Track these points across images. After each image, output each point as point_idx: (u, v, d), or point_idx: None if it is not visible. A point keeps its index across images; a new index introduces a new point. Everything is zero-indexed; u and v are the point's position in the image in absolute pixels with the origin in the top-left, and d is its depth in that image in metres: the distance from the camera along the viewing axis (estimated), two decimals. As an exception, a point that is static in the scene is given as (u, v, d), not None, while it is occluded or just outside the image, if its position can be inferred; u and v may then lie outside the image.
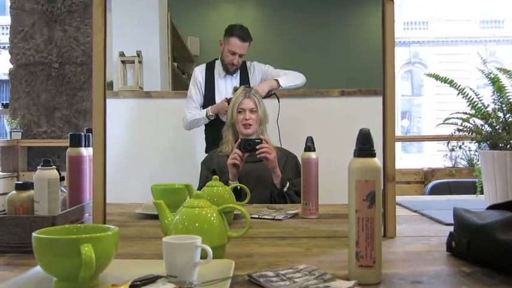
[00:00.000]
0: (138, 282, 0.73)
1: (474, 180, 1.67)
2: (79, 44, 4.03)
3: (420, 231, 1.22)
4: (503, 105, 1.42)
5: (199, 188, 1.57)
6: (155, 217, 1.02)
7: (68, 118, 4.04)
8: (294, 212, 1.47)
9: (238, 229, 0.97)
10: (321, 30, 4.07)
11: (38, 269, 0.78)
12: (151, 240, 1.13)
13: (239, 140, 1.87)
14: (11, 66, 4.12)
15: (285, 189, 1.83)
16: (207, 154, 2.22)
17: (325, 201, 1.48)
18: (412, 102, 14.56)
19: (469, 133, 1.49)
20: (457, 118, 1.50)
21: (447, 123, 1.52)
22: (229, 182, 1.81)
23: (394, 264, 0.92)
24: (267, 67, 2.52)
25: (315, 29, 4.08)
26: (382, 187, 0.80)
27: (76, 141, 1.24)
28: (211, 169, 1.99)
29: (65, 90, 4.04)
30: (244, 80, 2.44)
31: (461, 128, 1.49)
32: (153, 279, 0.75)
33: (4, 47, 10.42)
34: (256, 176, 1.90)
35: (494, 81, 1.43)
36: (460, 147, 1.59)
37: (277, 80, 2.37)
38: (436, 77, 1.53)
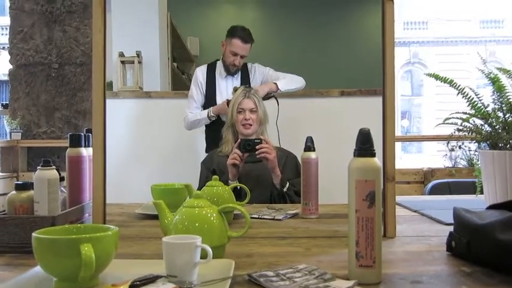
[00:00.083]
0: (138, 282, 0.73)
1: (474, 180, 1.67)
2: (79, 44, 4.03)
3: (420, 231, 1.22)
4: (503, 105, 1.42)
5: (199, 188, 1.57)
6: (155, 217, 1.02)
7: (68, 118, 4.04)
8: (293, 212, 1.47)
9: (238, 229, 0.96)
10: (321, 30, 4.07)
11: (38, 269, 0.78)
12: (151, 240, 1.13)
13: (239, 140, 1.87)
14: (11, 66, 4.12)
15: (284, 189, 1.83)
16: (207, 154, 2.22)
17: (325, 201, 1.48)
18: (412, 102, 14.57)
19: (468, 133, 1.49)
20: (457, 118, 1.50)
21: (447, 123, 1.52)
22: (229, 182, 1.81)
23: (394, 264, 0.92)
24: (267, 69, 2.53)
25: (315, 29, 4.08)
26: (382, 187, 0.80)
27: (76, 142, 1.24)
28: (211, 169, 1.99)
29: (64, 90, 4.04)
30: (245, 81, 2.44)
31: (461, 128, 1.49)
32: (153, 279, 0.75)
33: (4, 48, 10.42)
34: (256, 176, 1.90)
35: (494, 81, 1.43)
36: (459, 147, 1.59)
37: (276, 84, 2.38)
38: (436, 77, 1.53)
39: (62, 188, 1.19)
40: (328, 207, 1.49)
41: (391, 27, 1.14)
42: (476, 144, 1.51)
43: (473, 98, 1.47)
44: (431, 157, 8.15)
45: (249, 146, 1.83)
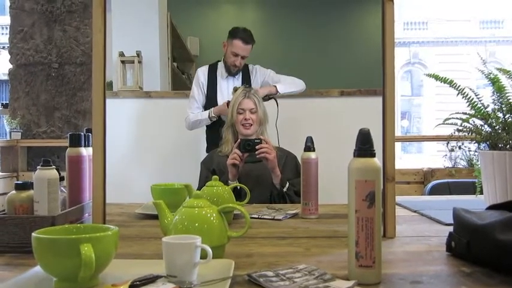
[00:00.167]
0: (137, 282, 0.73)
1: (474, 180, 1.67)
2: (79, 44, 4.03)
3: (420, 232, 1.22)
4: (503, 106, 1.42)
5: (199, 188, 1.57)
6: (155, 217, 1.02)
7: (68, 118, 4.04)
8: (293, 212, 1.47)
9: (238, 229, 0.97)
10: (321, 30, 4.07)
11: (37, 269, 0.78)
12: (151, 240, 1.13)
13: (239, 140, 1.88)
14: (11, 66, 4.11)
15: (284, 189, 1.83)
16: (207, 154, 2.22)
17: (325, 201, 1.49)
18: (411, 102, 14.57)
19: (468, 133, 1.49)
20: (457, 118, 1.50)
21: (447, 124, 1.52)
22: (229, 182, 1.82)
23: (394, 264, 0.92)
24: (268, 71, 2.55)
25: (315, 29, 4.08)
26: (381, 187, 0.80)
27: (76, 141, 1.24)
28: (211, 169, 1.99)
29: (64, 90, 4.04)
30: (246, 82, 2.46)
31: (460, 128, 1.49)
32: (153, 279, 0.75)
33: (4, 47, 10.41)
34: (256, 176, 1.90)
35: (494, 82, 1.43)
36: (459, 148, 1.59)
37: (275, 86, 2.40)
38: (436, 77, 1.53)
39: (62, 188, 1.19)
40: (328, 207, 1.49)
41: (391, 27, 1.14)
42: (476, 144, 1.51)
43: (473, 99, 1.47)
44: (431, 157, 8.15)
45: (248, 146, 1.83)
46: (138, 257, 0.97)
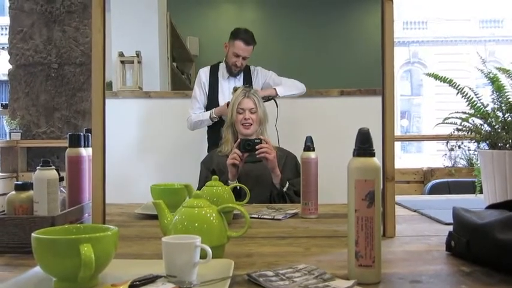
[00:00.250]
0: (137, 282, 0.73)
1: (473, 179, 1.67)
2: (78, 44, 4.03)
3: (419, 231, 1.22)
4: (503, 105, 1.42)
5: (199, 188, 1.57)
6: (155, 217, 1.02)
7: (67, 118, 4.04)
8: (293, 211, 1.47)
9: (238, 229, 0.97)
10: (320, 30, 4.07)
11: (37, 269, 0.78)
12: (150, 240, 1.13)
13: (239, 140, 1.88)
14: (10, 66, 4.11)
15: (284, 189, 1.83)
16: (207, 154, 2.22)
17: (325, 201, 1.49)
18: (411, 102, 14.57)
19: (468, 133, 1.49)
20: (456, 118, 1.50)
21: (446, 123, 1.52)
22: (229, 182, 1.81)
23: (394, 264, 0.92)
24: (270, 73, 2.57)
25: (315, 29, 4.08)
26: (381, 187, 0.80)
27: (75, 142, 1.24)
28: (210, 169, 1.99)
29: (64, 90, 4.04)
30: (247, 83, 2.47)
31: (460, 127, 1.49)
32: (153, 279, 0.75)
33: (3, 48, 10.41)
34: (256, 176, 1.90)
35: (494, 81, 1.43)
36: (459, 147, 1.59)
37: (275, 89, 2.43)
38: (436, 77, 1.53)
39: (62, 188, 1.19)
40: (327, 207, 1.49)
41: (391, 27, 1.14)
42: (475, 143, 1.51)
43: (472, 98, 1.47)
44: (431, 157, 8.15)
45: (248, 145, 1.83)
46: (137, 257, 0.97)
